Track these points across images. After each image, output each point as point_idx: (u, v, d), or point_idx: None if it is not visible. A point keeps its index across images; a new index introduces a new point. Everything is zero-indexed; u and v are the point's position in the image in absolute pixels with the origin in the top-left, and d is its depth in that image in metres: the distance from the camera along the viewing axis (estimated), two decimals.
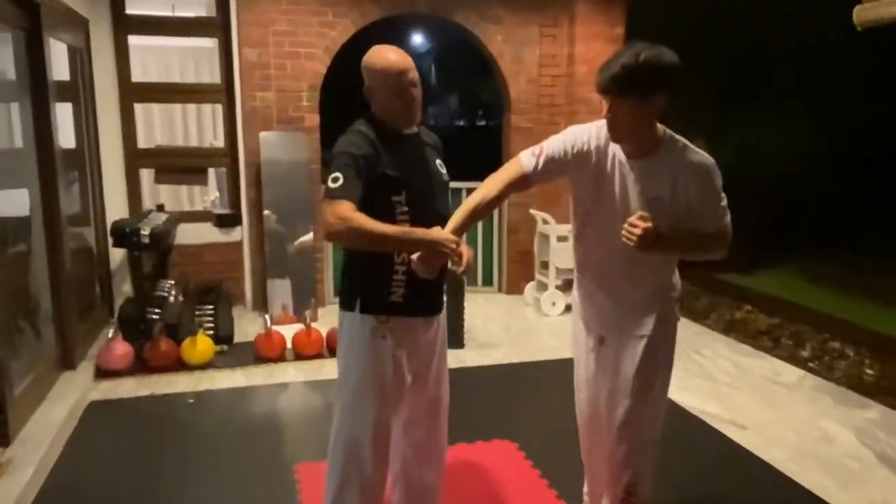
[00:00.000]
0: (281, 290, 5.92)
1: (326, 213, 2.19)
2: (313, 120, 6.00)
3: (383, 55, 2.35)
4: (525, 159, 2.35)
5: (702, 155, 2.28)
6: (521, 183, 2.37)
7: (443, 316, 2.55)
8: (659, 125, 2.27)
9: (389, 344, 2.41)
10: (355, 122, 2.36)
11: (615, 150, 2.31)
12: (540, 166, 2.35)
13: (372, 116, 2.39)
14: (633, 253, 2.24)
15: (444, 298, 2.53)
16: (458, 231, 2.21)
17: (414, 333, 2.46)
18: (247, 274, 6.19)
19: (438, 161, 2.48)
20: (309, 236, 5.87)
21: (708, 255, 2.34)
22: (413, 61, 2.35)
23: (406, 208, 2.32)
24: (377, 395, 2.38)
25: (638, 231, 2.22)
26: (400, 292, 2.40)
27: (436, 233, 2.17)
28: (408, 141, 2.40)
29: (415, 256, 2.18)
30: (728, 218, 2.30)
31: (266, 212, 5.86)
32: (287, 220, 5.89)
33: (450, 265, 2.28)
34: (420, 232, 2.19)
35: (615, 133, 2.26)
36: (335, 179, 2.24)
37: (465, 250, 2.28)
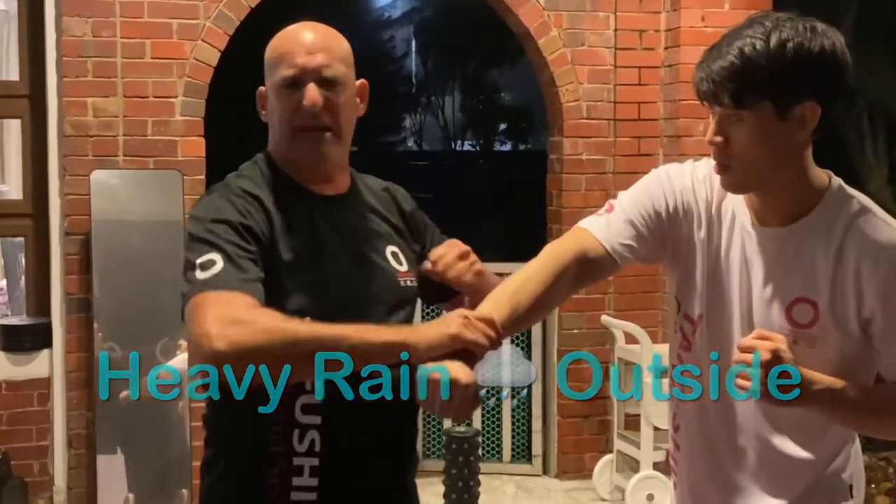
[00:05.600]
0: (123, 474, 5.12)
1: (200, 319, 1.87)
2: (195, 149, 5.37)
3: (280, 34, 2.16)
4: (590, 226, 2.14)
5: None
6: (586, 267, 2.10)
7: None
8: (818, 169, 2.07)
9: None
10: (244, 165, 2.21)
11: (735, 206, 2.12)
12: (615, 238, 2.12)
13: (266, 159, 2.19)
14: (768, 411, 2.06)
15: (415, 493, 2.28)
16: (505, 327, 1.95)
17: None
18: (58, 442, 5.38)
19: (391, 249, 2.21)
20: (179, 362, 5.14)
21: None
22: (342, 49, 2.16)
23: None
24: None
25: (759, 360, 1.91)
26: (309, 499, 2.05)
27: (453, 319, 1.89)
28: (328, 211, 2.15)
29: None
30: None
31: (98, 323, 5.17)
32: (139, 337, 5.14)
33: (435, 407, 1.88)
34: (415, 330, 1.94)
35: (729, 173, 2.04)
36: (207, 265, 1.94)
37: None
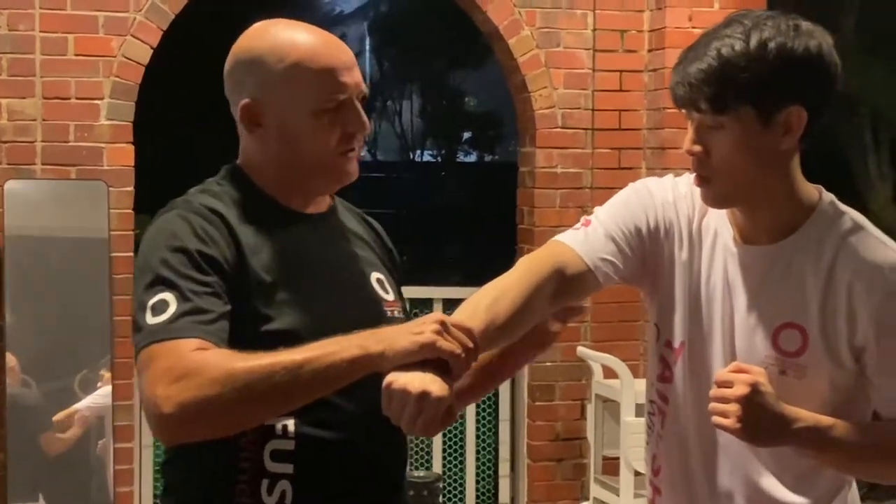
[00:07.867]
0: None
1: (147, 380, 1.89)
2: (122, 157, 5.37)
3: (291, 34, 2.14)
4: (568, 240, 2.20)
5: (893, 250, 2.10)
6: (564, 284, 2.13)
7: None
8: (807, 183, 2.14)
9: None
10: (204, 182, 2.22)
11: (717, 223, 2.18)
12: (596, 252, 2.16)
13: (237, 172, 2.18)
14: (753, 450, 2.09)
15: None
16: (482, 339, 1.97)
17: None
18: None
19: (377, 276, 2.26)
20: (100, 396, 5.12)
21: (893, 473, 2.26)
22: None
23: None
24: None
25: (737, 394, 1.95)
26: None
27: (426, 325, 1.88)
28: (311, 230, 2.20)
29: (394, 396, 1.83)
30: None
31: (10, 353, 5.13)
32: (56, 368, 5.16)
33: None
34: (379, 337, 1.89)
35: (709, 186, 2.10)
36: (159, 307, 1.94)
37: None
